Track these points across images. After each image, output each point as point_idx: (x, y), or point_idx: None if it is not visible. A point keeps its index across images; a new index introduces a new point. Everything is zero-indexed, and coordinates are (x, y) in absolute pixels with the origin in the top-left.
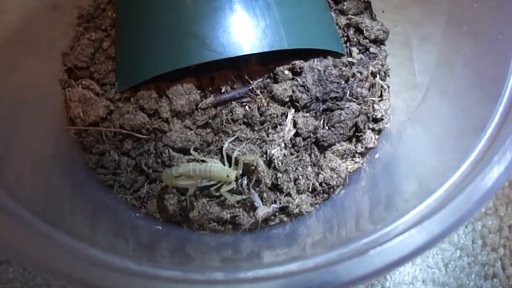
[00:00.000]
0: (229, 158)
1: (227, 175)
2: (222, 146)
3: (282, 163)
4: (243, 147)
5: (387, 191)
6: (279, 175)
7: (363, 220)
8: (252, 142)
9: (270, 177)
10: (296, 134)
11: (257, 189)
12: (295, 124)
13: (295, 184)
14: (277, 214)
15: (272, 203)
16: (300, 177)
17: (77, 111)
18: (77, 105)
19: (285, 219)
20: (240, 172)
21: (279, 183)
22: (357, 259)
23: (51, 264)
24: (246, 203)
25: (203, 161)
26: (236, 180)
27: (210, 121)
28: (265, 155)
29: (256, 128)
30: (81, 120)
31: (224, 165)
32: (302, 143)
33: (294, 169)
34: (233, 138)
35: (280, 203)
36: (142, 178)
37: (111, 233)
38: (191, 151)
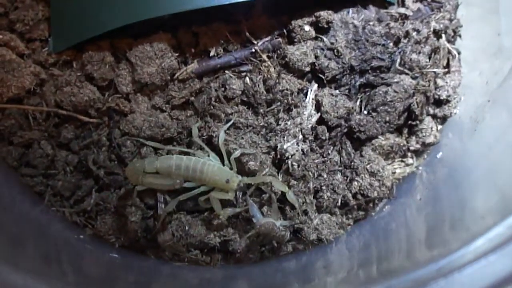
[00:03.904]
0: (228, 154)
1: (227, 181)
2: (211, 136)
3: (298, 165)
4: (242, 139)
5: (454, 205)
6: (293, 182)
7: (418, 247)
8: (254, 132)
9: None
10: (320, 121)
11: (257, 199)
12: (318, 106)
13: (315, 198)
14: (285, 234)
15: (280, 219)
16: (323, 187)
17: None
18: None
19: (300, 247)
20: (245, 182)
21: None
22: None
23: None
24: (240, 219)
25: (187, 153)
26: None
27: (192, 98)
28: (273, 152)
29: (261, 111)
30: None
31: (223, 164)
32: (328, 135)
33: (316, 175)
34: (229, 124)
35: (292, 222)
36: (89, 182)
37: (40, 261)
38: (194, 138)
